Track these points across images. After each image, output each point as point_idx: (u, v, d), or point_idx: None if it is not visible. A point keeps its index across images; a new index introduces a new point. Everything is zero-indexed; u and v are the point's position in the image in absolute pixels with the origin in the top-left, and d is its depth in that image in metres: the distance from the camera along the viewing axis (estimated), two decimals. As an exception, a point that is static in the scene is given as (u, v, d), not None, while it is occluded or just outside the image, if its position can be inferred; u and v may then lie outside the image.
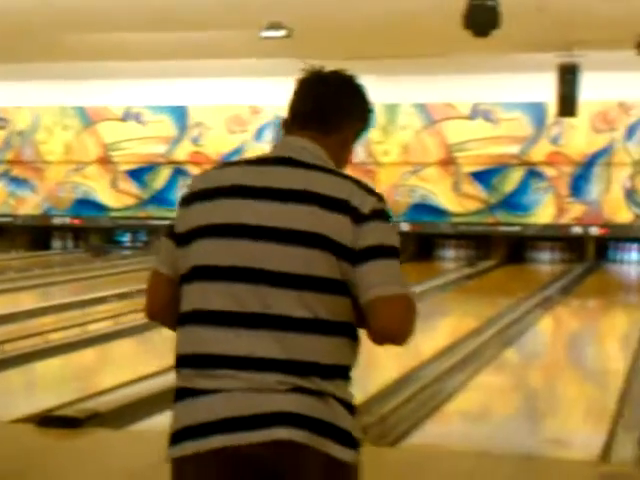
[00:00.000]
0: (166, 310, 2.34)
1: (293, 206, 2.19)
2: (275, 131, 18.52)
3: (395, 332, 2.23)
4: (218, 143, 19.16)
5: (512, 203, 17.90)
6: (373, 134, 18.40)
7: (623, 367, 8.41)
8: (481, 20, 10.70)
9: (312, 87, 2.35)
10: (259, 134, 18.94)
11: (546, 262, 17.92)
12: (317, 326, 2.19)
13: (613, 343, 10.88)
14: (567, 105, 15.02)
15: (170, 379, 2.43)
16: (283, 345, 2.16)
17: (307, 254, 2.17)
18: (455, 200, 18.11)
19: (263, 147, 18.76)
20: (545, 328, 11.59)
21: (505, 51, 14.97)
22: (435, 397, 7.00)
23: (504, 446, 5.99)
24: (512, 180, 17.92)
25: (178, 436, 2.21)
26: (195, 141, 19.29)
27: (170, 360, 2.33)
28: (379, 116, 18.38)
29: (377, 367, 7.74)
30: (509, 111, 17.93)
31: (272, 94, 17.93)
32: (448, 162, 18.08)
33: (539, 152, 17.87)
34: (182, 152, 19.30)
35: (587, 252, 17.79)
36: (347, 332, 2.23)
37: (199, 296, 2.22)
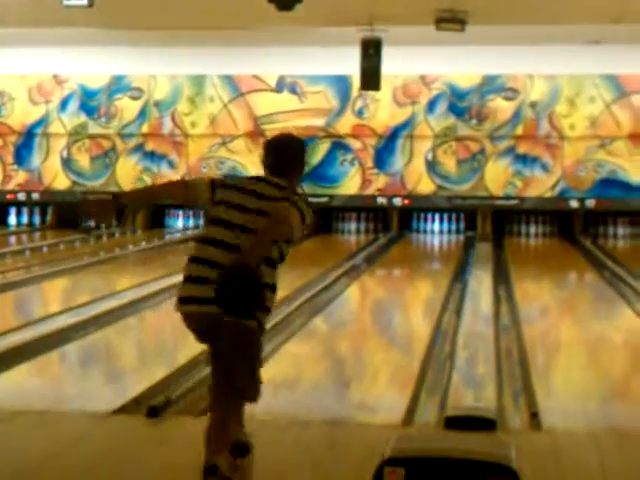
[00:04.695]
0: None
1: (259, 200, 4.53)
2: (79, 101, 18.16)
3: None
4: (22, 114, 18.65)
5: (319, 175, 18.13)
6: (181, 106, 18.29)
7: (427, 333, 8.68)
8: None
9: (274, 150, 4.82)
10: (64, 105, 18.50)
11: (353, 232, 18.27)
12: None
13: (417, 310, 11.18)
14: (370, 79, 15.28)
15: None
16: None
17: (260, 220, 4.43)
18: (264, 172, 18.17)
19: (67, 118, 18.40)
20: (352, 297, 11.82)
21: (310, 25, 15.10)
22: (244, 367, 7.04)
23: (311, 413, 6.11)
24: (319, 152, 18.15)
25: (179, 302, 4.43)
26: (-3, 112, 18.73)
27: None
28: (186, 88, 18.28)
29: (185, 339, 7.72)
30: (314, 84, 18.12)
31: (76, 63, 17.55)
32: (256, 134, 18.14)
33: (344, 125, 18.15)
34: (-18, 123, 18.71)
35: (391, 222, 18.22)
36: (271, 264, 4.48)
37: (211, 231, 4.45)
